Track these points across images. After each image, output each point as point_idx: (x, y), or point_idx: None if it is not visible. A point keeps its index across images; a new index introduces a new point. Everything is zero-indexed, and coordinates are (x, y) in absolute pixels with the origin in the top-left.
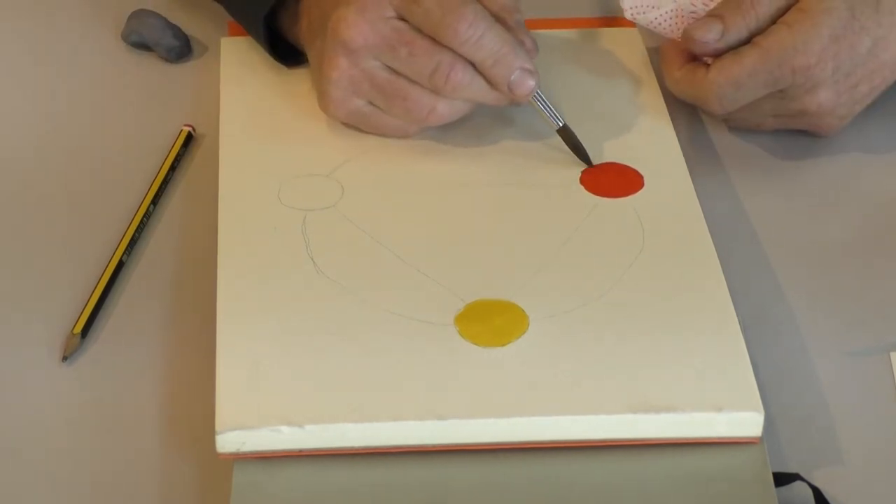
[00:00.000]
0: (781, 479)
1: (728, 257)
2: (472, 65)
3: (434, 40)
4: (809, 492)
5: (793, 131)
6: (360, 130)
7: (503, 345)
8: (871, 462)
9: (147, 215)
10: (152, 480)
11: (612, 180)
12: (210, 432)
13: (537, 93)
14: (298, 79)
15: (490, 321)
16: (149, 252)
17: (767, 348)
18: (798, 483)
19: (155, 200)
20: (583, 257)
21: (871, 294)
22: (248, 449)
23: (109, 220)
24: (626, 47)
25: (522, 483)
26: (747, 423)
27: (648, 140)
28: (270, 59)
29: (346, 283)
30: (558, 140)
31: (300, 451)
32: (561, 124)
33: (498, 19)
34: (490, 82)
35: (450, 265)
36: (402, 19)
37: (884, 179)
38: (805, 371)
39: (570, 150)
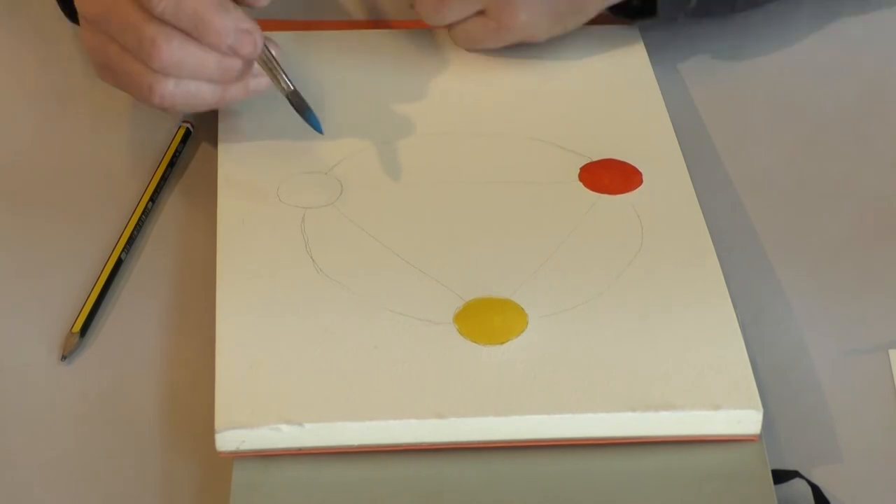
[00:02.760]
0: (780, 476)
1: (727, 255)
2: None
3: (149, 13)
4: (808, 489)
5: (795, 131)
6: (357, 130)
7: (502, 343)
8: (871, 459)
9: (145, 213)
10: (152, 479)
11: (611, 177)
12: (210, 431)
13: (268, 54)
14: (297, 79)
15: (489, 319)
16: (147, 250)
17: (766, 346)
18: (797, 480)
19: (153, 198)
20: (582, 255)
21: (870, 292)
22: (248, 447)
23: (108, 217)
24: (625, 45)
25: (521, 481)
26: (746, 420)
27: (647, 137)
28: None
29: (345, 281)
30: (557, 137)
31: (300, 449)
32: (290, 89)
33: None
34: (213, 51)
35: (449, 263)
36: None
37: (884, 179)
38: (804, 369)
39: (566, 148)
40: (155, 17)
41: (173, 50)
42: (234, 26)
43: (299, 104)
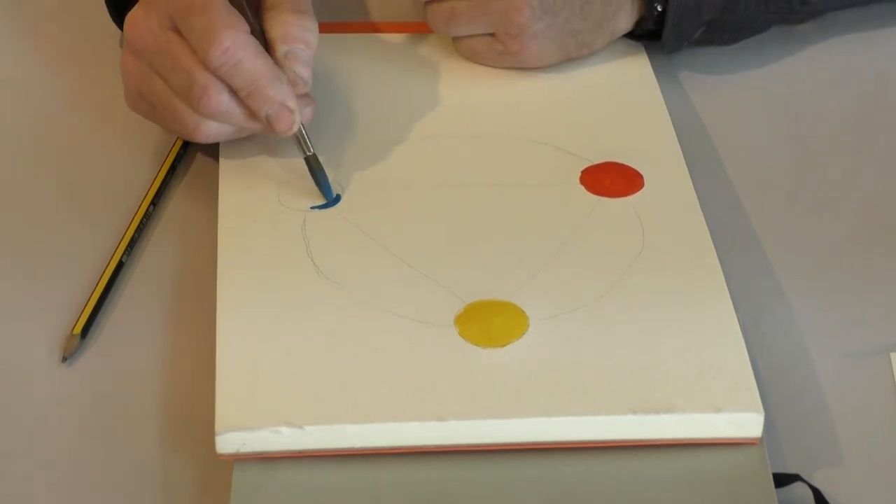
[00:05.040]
0: (781, 479)
1: (728, 257)
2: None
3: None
4: (809, 493)
5: (795, 134)
6: (359, 133)
7: (503, 345)
8: (872, 463)
9: (147, 216)
10: (152, 480)
11: (613, 180)
12: (210, 432)
13: (301, 127)
14: None
15: (490, 322)
16: (148, 252)
17: (767, 349)
18: (798, 484)
19: (155, 201)
20: (582, 257)
21: (871, 294)
22: (248, 450)
23: (109, 220)
24: (626, 49)
25: (522, 484)
26: (747, 423)
27: (648, 140)
28: None
29: (346, 283)
30: (559, 140)
31: (300, 451)
32: (310, 153)
33: (271, 49)
34: (251, 111)
35: (449, 265)
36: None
37: (884, 179)
38: (805, 371)
39: (567, 151)
40: (208, 66)
41: (222, 102)
42: (280, 99)
43: (316, 168)
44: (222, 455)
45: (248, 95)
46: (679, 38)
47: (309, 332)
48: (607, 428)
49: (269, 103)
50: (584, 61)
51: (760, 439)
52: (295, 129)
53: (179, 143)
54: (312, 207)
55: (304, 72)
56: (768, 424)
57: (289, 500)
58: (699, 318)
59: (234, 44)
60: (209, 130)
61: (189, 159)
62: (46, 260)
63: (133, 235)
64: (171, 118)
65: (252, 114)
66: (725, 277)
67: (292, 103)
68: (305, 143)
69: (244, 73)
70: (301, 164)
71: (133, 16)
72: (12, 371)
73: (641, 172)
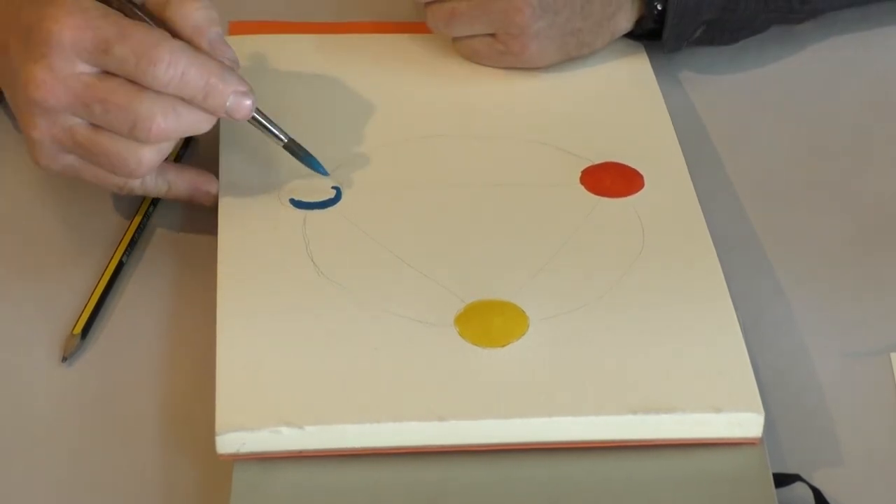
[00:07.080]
0: (782, 479)
1: (728, 257)
2: (182, 99)
3: (136, 87)
4: (810, 493)
5: (796, 134)
6: (359, 133)
7: (503, 346)
8: (872, 463)
9: (147, 216)
10: (152, 480)
11: (613, 180)
12: (210, 432)
13: (257, 110)
14: (298, 81)
15: (490, 322)
16: (149, 252)
17: (767, 349)
18: (798, 484)
19: (155, 201)
20: (583, 258)
21: (871, 294)
22: (248, 450)
23: (110, 219)
24: (626, 49)
25: (522, 484)
26: (747, 423)
27: (649, 140)
28: (271, 62)
29: (346, 283)
30: (559, 140)
31: (300, 451)
32: (285, 140)
33: (193, 43)
34: (207, 112)
35: (450, 265)
36: (105, 71)
37: (884, 179)
38: (805, 372)
39: (568, 151)
40: (146, 91)
41: (170, 120)
42: (232, 90)
43: (298, 152)
44: (222, 455)
45: (205, 98)
46: (679, 37)
47: (309, 332)
48: (607, 428)
49: (225, 97)
50: (584, 61)
51: (761, 439)
52: (252, 109)
53: (181, 143)
54: (308, 207)
55: (230, 52)
56: (768, 424)
57: (289, 500)
58: (699, 318)
59: (172, 56)
60: (153, 157)
61: (190, 160)
62: (47, 259)
63: (133, 235)
64: (108, 163)
65: (211, 113)
66: (725, 277)
67: (243, 86)
68: (277, 132)
69: (195, 80)
70: (302, 164)
71: (34, 76)
72: (12, 371)
73: (641, 172)
